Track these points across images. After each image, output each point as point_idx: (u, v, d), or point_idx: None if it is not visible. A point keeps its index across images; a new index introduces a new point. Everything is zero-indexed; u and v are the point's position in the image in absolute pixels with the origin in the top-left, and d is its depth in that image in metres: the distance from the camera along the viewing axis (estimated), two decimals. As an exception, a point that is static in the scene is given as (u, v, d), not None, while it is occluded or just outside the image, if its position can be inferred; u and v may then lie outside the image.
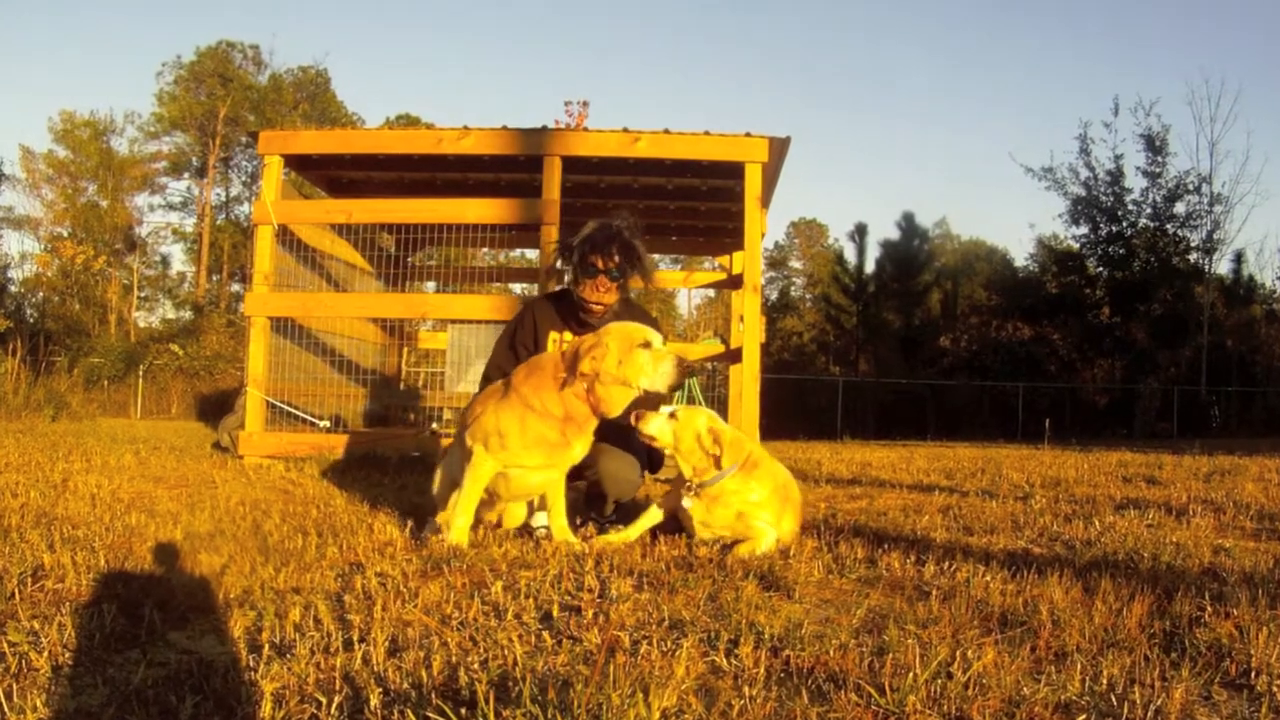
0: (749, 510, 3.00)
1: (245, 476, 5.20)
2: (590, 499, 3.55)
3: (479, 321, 6.90)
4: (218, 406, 13.83)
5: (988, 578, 2.50)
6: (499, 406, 2.97)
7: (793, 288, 47.63)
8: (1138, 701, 1.60)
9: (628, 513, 3.46)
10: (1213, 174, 25.13)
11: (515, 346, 3.50)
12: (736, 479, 3.01)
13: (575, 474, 3.42)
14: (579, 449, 3.00)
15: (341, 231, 7.84)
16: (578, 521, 3.42)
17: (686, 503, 3.03)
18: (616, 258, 3.32)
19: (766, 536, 2.99)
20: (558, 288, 3.57)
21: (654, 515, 3.16)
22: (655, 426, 3.01)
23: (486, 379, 3.46)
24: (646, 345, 2.90)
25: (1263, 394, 23.47)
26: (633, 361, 2.86)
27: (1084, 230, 26.85)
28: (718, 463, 3.00)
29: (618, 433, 3.22)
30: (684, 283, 10.99)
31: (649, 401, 3.08)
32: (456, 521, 2.98)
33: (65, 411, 11.42)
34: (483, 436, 2.95)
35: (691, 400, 11.54)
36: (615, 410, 2.94)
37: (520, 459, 2.93)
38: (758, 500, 3.01)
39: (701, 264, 12.54)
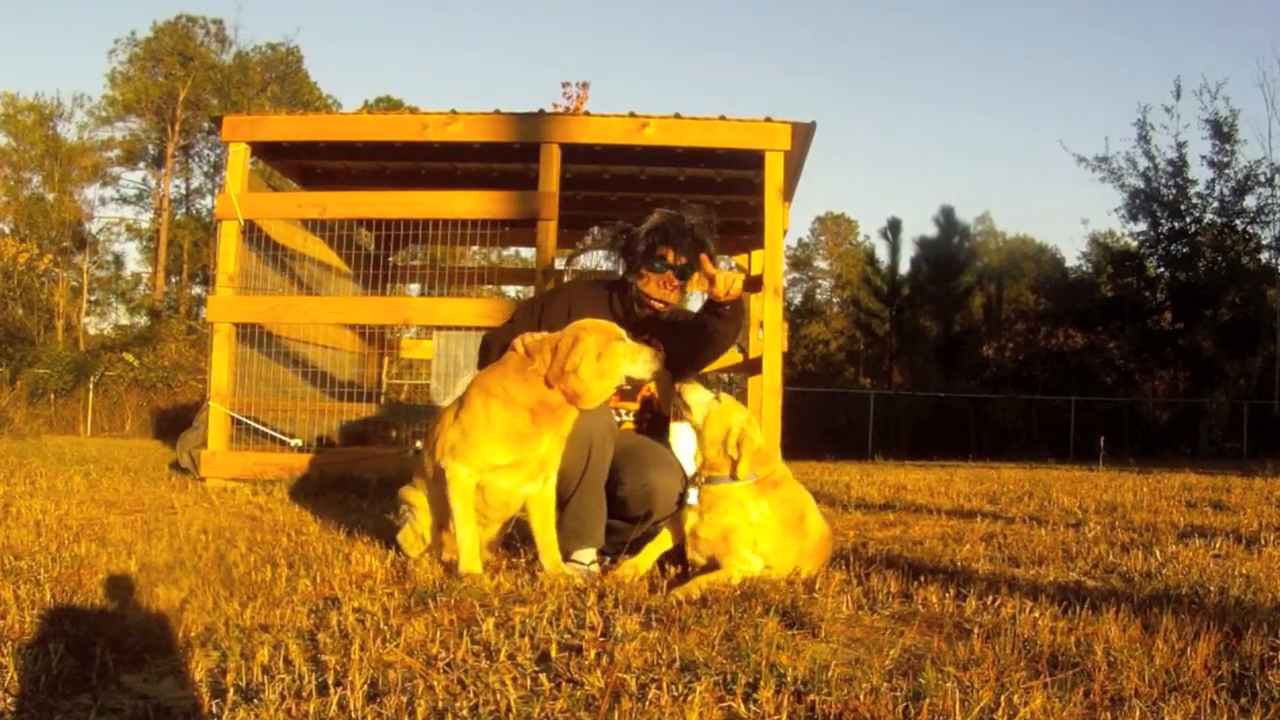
0: (739, 529, 2.99)
1: (207, 501, 5.22)
2: (625, 516, 3.46)
3: (467, 328, 6.91)
4: (177, 423, 13.89)
5: (1036, 614, 2.50)
6: (457, 411, 3.23)
7: (818, 290, 47.68)
8: (1204, 753, 1.60)
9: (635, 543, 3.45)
10: (1286, 164, 25.11)
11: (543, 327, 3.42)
12: (748, 489, 3.03)
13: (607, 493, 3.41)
14: (548, 442, 3.16)
15: (315, 228, 7.89)
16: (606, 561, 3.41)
17: (691, 498, 3.12)
18: (686, 256, 3.47)
19: (741, 566, 2.95)
20: (603, 278, 3.60)
21: (665, 541, 3.18)
22: (696, 399, 3.18)
23: (486, 347, 3.50)
24: (621, 339, 3.19)
25: (1343, 409, 23.36)
26: (613, 354, 3.13)
27: (1143, 226, 26.86)
28: (734, 469, 3.04)
29: (655, 443, 3.46)
30: (697, 285, 11.02)
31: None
32: (464, 546, 3.07)
33: (7, 428, 11.51)
34: (448, 447, 3.16)
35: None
36: (595, 402, 3.15)
37: (489, 455, 3.11)
38: (756, 521, 3.00)
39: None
